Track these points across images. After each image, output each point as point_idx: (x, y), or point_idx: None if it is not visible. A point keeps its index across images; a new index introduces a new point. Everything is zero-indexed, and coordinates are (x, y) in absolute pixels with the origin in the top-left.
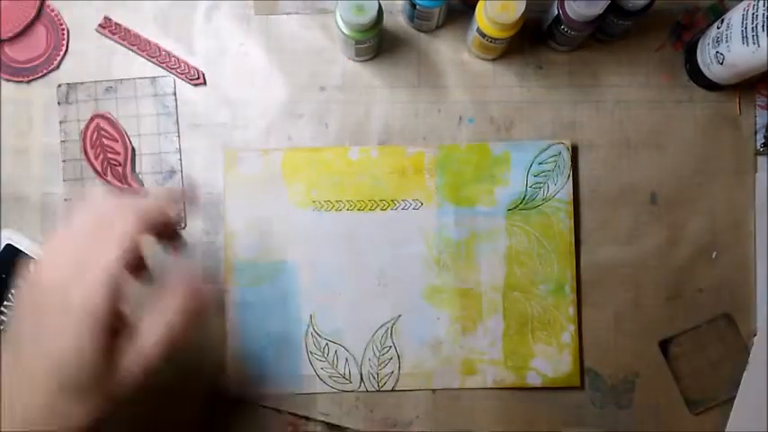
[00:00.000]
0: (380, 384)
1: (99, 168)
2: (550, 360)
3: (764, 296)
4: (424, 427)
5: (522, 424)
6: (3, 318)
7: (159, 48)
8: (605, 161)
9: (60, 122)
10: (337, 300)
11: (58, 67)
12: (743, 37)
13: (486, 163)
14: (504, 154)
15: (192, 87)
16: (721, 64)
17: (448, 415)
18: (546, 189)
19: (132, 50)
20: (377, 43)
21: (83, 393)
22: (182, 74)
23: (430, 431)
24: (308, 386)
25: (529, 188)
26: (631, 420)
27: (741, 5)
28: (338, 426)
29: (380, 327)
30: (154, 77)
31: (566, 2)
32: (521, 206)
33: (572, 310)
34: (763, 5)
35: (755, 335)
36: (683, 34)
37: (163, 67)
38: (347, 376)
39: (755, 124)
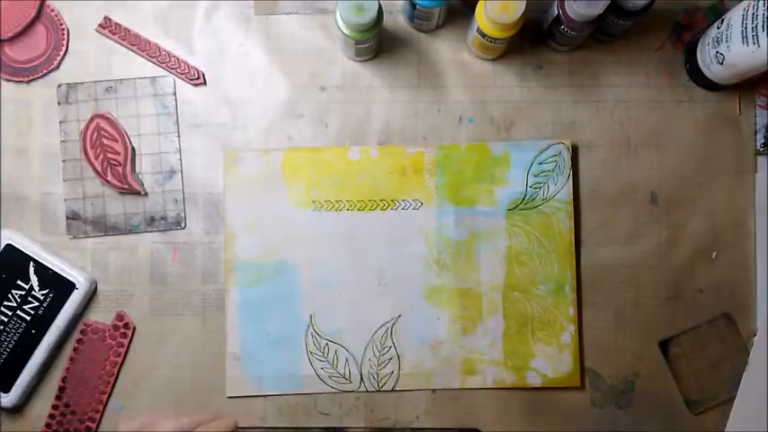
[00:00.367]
0: (380, 384)
1: (99, 168)
2: (550, 360)
3: (764, 296)
4: (423, 427)
5: (522, 424)
6: (2, 318)
7: (159, 48)
8: (605, 161)
9: (60, 122)
10: (337, 300)
11: (57, 67)
12: (743, 37)
13: (486, 163)
14: (504, 154)
15: (192, 87)
16: (721, 64)
17: (448, 415)
18: (546, 189)
19: (132, 50)
20: (377, 43)
21: None
22: (182, 74)
23: (432, 426)
24: (308, 386)
25: (529, 188)
26: (631, 420)
27: (741, 5)
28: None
29: (380, 327)
30: (154, 77)
31: (566, 2)
32: (521, 206)
33: (572, 310)
34: (763, 5)
35: (755, 335)
36: (683, 34)
37: (163, 67)
38: (347, 376)
39: (755, 124)
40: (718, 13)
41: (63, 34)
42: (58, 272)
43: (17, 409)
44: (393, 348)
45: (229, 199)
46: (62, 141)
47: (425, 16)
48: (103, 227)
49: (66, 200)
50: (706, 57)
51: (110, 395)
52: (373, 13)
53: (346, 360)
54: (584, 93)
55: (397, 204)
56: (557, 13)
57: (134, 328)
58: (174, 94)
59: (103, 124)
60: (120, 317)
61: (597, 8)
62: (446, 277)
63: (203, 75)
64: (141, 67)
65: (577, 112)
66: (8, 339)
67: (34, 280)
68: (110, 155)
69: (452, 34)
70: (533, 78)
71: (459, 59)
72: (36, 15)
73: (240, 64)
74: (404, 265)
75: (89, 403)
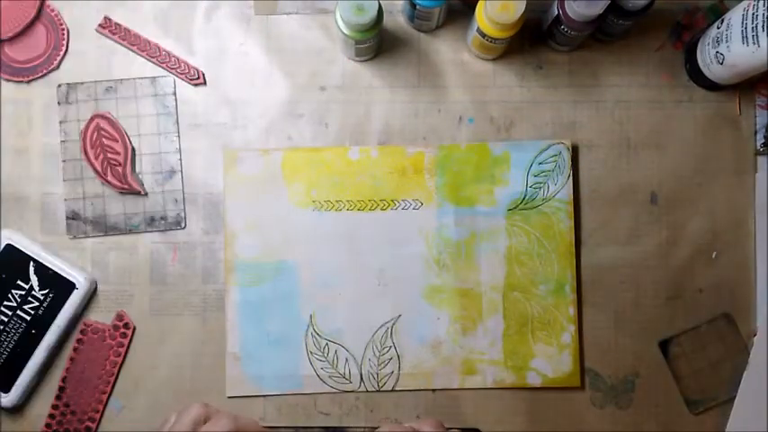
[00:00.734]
0: (380, 384)
1: (99, 168)
2: (550, 360)
3: (764, 296)
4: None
5: (522, 424)
6: (2, 318)
7: (159, 48)
8: (605, 161)
9: (60, 122)
10: (337, 300)
11: (58, 67)
12: (743, 37)
13: (486, 163)
14: (504, 154)
15: (192, 87)
16: (721, 64)
17: (448, 415)
18: (546, 189)
19: (132, 50)
20: (377, 43)
21: None
22: (182, 74)
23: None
24: (308, 386)
25: (529, 188)
26: (631, 420)
27: (741, 5)
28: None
29: (380, 327)
30: (154, 77)
31: (566, 2)
32: (521, 206)
33: (572, 310)
34: (763, 5)
35: (755, 335)
36: (683, 34)
37: (163, 67)
38: (347, 376)
39: (755, 124)
40: (718, 13)
41: (63, 34)
42: (58, 272)
43: (17, 409)
44: (393, 348)
45: (229, 199)
46: (62, 141)
47: (425, 16)
48: (103, 227)
49: (66, 200)
50: (706, 57)
51: (110, 395)
52: (373, 13)
53: (346, 360)
54: (584, 93)
55: (397, 204)
56: (557, 13)
57: (134, 328)
58: (174, 94)
59: (103, 124)
60: (120, 317)
61: (597, 8)
62: (446, 277)
63: (203, 75)
64: (141, 67)
65: (577, 112)
66: (8, 339)
67: (34, 280)
68: (110, 155)
69: (452, 34)
70: (533, 78)
71: (459, 59)
72: (36, 15)
73: (240, 64)
74: (404, 265)
75: (89, 403)
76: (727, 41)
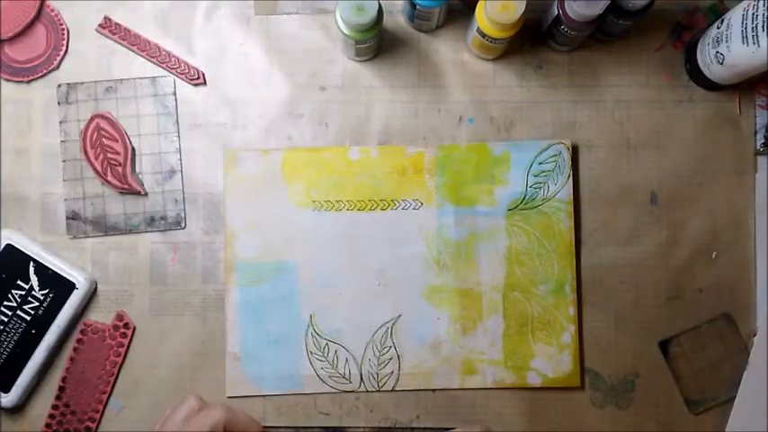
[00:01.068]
0: (380, 384)
1: (99, 168)
2: (550, 360)
3: (764, 296)
4: (423, 427)
5: (522, 424)
6: (2, 318)
7: (159, 48)
8: (605, 161)
9: (60, 122)
10: (337, 300)
11: (58, 67)
12: (743, 37)
13: (486, 163)
14: (504, 154)
15: (192, 87)
16: (721, 64)
17: (448, 415)
18: (546, 189)
19: (132, 50)
20: (377, 43)
21: None
22: (182, 74)
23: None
24: (308, 386)
25: (529, 188)
26: (631, 420)
27: (741, 5)
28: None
29: (380, 327)
30: (154, 77)
31: (566, 2)
32: (521, 206)
33: (572, 310)
34: (763, 5)
35: (755, 335)
36: (683, 34)
37: (163, 67)
38: (347, 376)
39: (755, 124)
40: (718, 13)
41: (63, 34)
42: (58, 272)
43: (17, 409)
44: (393, 348)
45: (229, 199)
46: (62, 141)
47: (425, 16)
48: (103, 227)
49: (66, 200)
50: (706, 57)
51: (110, 395)
52: (373, 13)
53: (346, 360)
54: (584, 93)
55: (397, 204)
56: (557, 13)
57: (134, 328)
58: (174, 94)
59: (103, 124)
60: (120, 317)
61: (597, 8)
62: (446, 277)
63: (203, 75)
64: (141, 67)
65: (577, 112)
66: (8, 339)
67: (34, 280)
68: (110, 155)
69: (452, 34)
70: (533, 78)
71: (459, 59)
72: (36, 15)
73: (240, 64)
74: (404, 265)
75: (89, 403)
76: (727, 41)
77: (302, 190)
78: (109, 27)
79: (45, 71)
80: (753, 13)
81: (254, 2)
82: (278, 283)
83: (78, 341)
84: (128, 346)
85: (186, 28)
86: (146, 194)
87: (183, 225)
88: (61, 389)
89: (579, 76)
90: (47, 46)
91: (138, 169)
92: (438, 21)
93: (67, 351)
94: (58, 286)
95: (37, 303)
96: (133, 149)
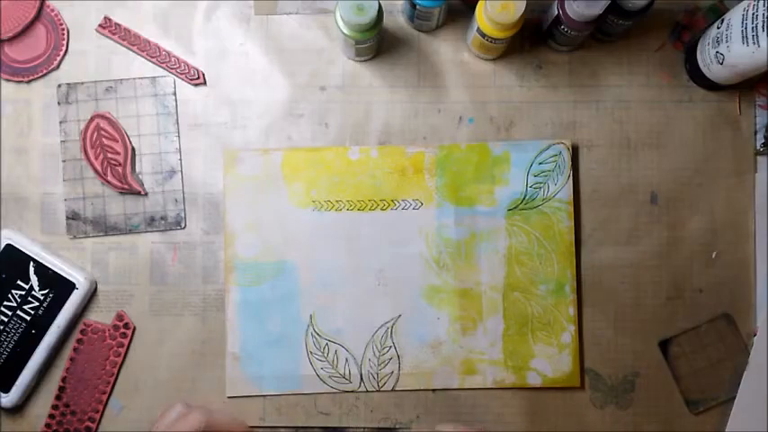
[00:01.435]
0: (380, 384)
1: (99, 168)
2: (550, 360)
3: (764, 296)
4: (423, 427)
5: (522, 424)
6: (2, 318)
7: (159, 48)
8: (605, 161)
9: (60, 122)
10: (337, 300)
11: (57, 67)
12: (743, 37)
13: (486, 163)
14: (504, 154)
15: (192, 87)
16: (721, 64)
17: (448, 415)
18: (546, 189)
19: (132, 50)
20: (377, 43)
21: None
22: (182, 74)
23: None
24: (308, 386)
25: (529, 188)
26: (631, 420)
27: (741, 5)
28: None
29: (380, 327)
30: (154, 77)
31: (566, 2)
32: (521, 206)
33: (572, 311)
34: (763, 5)
35: (755, 335)
36: (683, 34)
37: (163, 67)
38: (347, 376)
39: (755, 124)
40: (718, 13)
41: (63, 34)
42: (58, 272)
43: (17, 409)
44: (393, 348)
45: (229, 199)
46: (62, 141)
47: (425, 16)
48: (103, 227)
49: (66, 200)
50: (706, 57)
51: (110, 395)
52: (373, 13)
53: (346, 360)
54: (584, 93)
55: (397, 204)
56: (557, 13)
57: (134, 328)
58: (174, 94)
59: (103, 124)
60: (120, 317)
61: (597, 8)
62: (446, 277)
63: (203, 75)
64: (141, 67)
65: (577, 112)
66: (8, 339)
67: (34, 280)
68: (110, 155)
69: (452, 34)
70: (533, 78)
71: (459, 59)
72: (36, 15)
73: (240, 64)
74: (404, 265)
75: (89, 403)
76: (727, 41)
77: (302, 190)
78: (109, 27)
79: (45, 71)
80: (753, 13)
81: (254, 2)
82: (278, 283)
83: (78, 341)
84: (128, 346)
85: (186, 28)
86: (146, 194)
87: (183, 225)
88: (61, 389)
89: (579, 76)
90: (47, 46)
91: (138, 169)
92: (438, 21)
93: (67, 351)
94: (58, 286)
95: (37, 303)
96: (133, 149)
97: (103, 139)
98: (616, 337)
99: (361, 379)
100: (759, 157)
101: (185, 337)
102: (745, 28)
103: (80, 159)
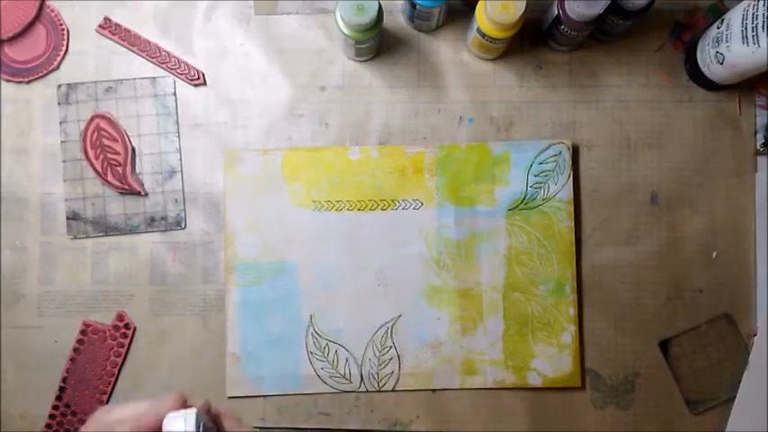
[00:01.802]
0: (380, 384)
1: (99, 168)
2: (551, 360)
3: (764, 296)
4: (424, 427)
5: (522, 424)
6: None
7: (159, 48)
8: (605, 161)
9: (60, 122)
10: (337, 300)
11: (58, 67)
12: (743, 37)
13: (486, 163)
14: (504, 154)
15: (192, 87)
16: (721, 64)
17: (448, 415)
18: (546, 189)
19: (132, 51)
20: (377, 43)
21: None
22: (182, 74)
23: (430, 431)
24: (308, 386)
25: (529, 188)
26: (631, 420)
27: (741, 5)
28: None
29: (380, 327)
30: (154, 78)
31: (566, 2)
32: (521, 206)
33: (572, 311)
34: (763, 5)
35: (755, 335)
36: (683, 34)
37: (163, 68)
38: (347, 376)
39: (755, 124)
40: (718, 13)
41: (63, 34)
42: None
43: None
44: (393, 348)
45: (229, 199)
46: (62, 141)
47: (425, 16)
48: (103, 227)
49: (66, 200)
50: (706, 57)
51: (110, 395)
52: (373, 13)
53: (346, 360)
54: (583, 93)
55: (398, 204)
56: (557, 13)
57: (134, 329)
58: (174, 94)
59: (103, 124)
60: (120, 317)
61: (597, 8)
62: (446, 277)
63: (203, 75)
64: (141, 67)
65: (577, 112)
66: None
67: None
68: (110, 155)
69: (452, 34)
70: (533, 78)
71: (459, 59)
72: (36, 15)
73: (240, 64)
74: (404, 265)
75: (89, 403)
76: (727, 41)
77: (302, 190)
78: (109, 27)
79: (45, 71)
80: (753, 13)
81: (254, 2)
82: (278, 283)
83: (79, 341)
84: (128, 347)
85: (186, 28)
86: (146, 195)
87: (183, 225)
88: (62, 389)
89: (579, 76)
90: (47, 46)
91: (138, 169)
92: (438, 21)
93: (68, 351)
94: None
95: None
96: (133, 150)
97: (103, 140)
98: (616, 337)
99: (362, 379)
100: (759, 157)
101: (185, 337)
102: (745, 28)
103: (80, 159)
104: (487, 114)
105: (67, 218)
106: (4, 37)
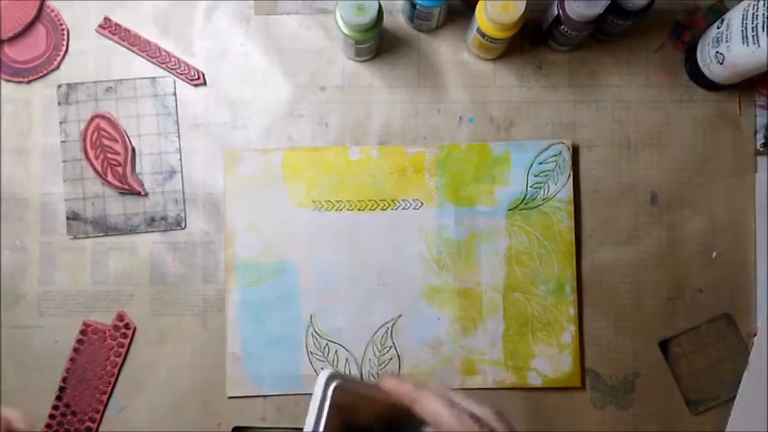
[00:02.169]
0: None
1: (99, 168)
2: (551, 360)
3: (764, 296)
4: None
5: (522, 424)
6: None
7: (159, 48)
8: (605, 161)
9: (60, 122)
10: (337, 300)
11: (58, 67)
12: (743, 37)
13: (486, 163)
14: (504, 154)
15: (192, 87)
16: (721, 64)
17: None
18: (546, 189)
19: (132, 51)
20: (377, 43)
21: None
22: (182, 74)
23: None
24: (308, 386)
25: (529, 188)
26: (631, 420)
27: (741, 5)
28: None
29: (380, 327)
30: (154, 78)
31: (566, 2)
32: (521, 206)
33: (572, 311)
34: (763, 5)
35: (755, 335)
36: (683, 34)
37: (163, 68)
38: None
39: (755, 124)
40: (718, 13)
41: (63, 34)
42: None
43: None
44: (393, 348)
45: (229, 199)
46: (62, 141)
47: (425, 16)
48: (104, 227)
49: (66, 200)
50: (706, 57)
51: (110, 395)
52: (373, 13)
53: (346, 360)
54: (583, 93)
55: (398, 204)
56: (557, 13)
57: (134, 329)
58: (174, 94)
59: (103, 124)
60: (120, 317)
61: (597, 8)
62: (446, 277)
63: (203, 75)
64: (141, 67)
65: (577, 112)
66: None
67: None
68: (110, 155)
69: (452, 34)
70: (533, 78)
71: (459, 59)
72: (36, 15)
73: (240, 64)
74: (404, 265)
75: (89, 403)
76: (727, 41)
77: (302, 190)
78: (109, 27)
79: (45, 71)
80: (753, 13)
81: (254, 2)
82: (278, 283)
83: (79, 341)
84: (128, 347)
85: (186, 28)
86: (146, 195)
87: (183, 225)
88: (61, 389)
89: (579, 76)
90: (47, 46)
91: (138, 169)
92: (438, 21)
93: (68, 351)
94: None
95: None
96: (133, 150)
97: (104, 140)
98: (616, 337)
99: (362, 379)
100: (759, 157)
101: (185, 337)
102: (745, 28)
103: (80, 159)
104: (487, 114)
105: (67, 218)
106: (4, 37)
